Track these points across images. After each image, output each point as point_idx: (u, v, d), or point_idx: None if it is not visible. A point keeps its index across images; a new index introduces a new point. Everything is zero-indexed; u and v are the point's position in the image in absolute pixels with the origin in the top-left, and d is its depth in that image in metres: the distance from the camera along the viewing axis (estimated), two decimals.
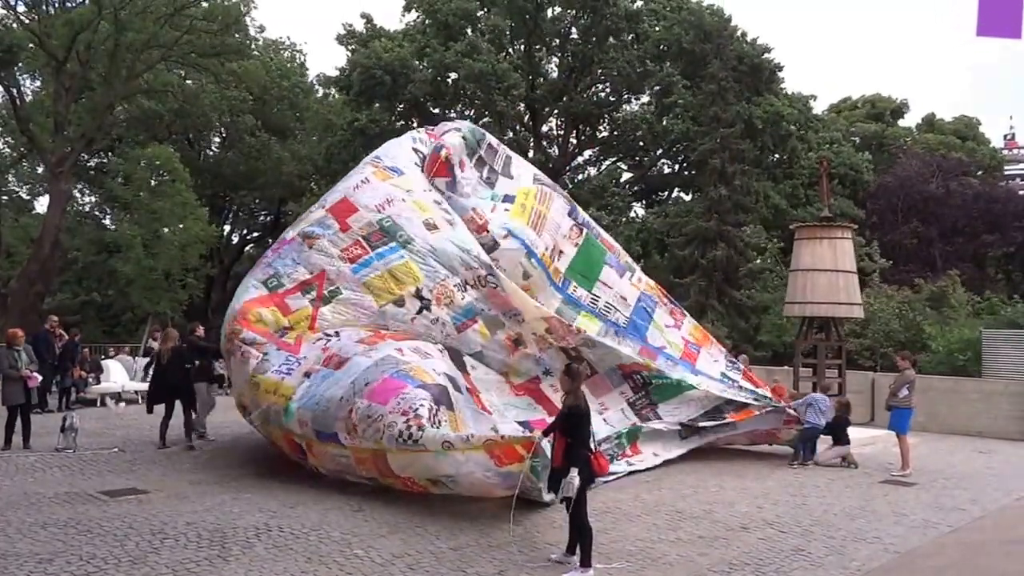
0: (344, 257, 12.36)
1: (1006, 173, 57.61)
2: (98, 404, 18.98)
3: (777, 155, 36.34)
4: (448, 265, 12.46)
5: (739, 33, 35.62)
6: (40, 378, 13.78)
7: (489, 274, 12.50)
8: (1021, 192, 45.75)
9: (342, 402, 10.15)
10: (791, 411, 13.66)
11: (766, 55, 35.38)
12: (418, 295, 12.18)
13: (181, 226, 27.86)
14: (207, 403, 14.54)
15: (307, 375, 10.91)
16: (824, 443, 13.85)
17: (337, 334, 11.53)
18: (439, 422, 9.50)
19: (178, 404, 13.95)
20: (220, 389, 15.99)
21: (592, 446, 8.00)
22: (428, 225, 12.68)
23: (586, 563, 7.56)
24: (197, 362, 14.27)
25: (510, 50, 36.84)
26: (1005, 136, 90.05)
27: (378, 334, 11.54)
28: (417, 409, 9.54)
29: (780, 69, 36.47)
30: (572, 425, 7.83)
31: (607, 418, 12.93)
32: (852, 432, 14.04)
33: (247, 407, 11.85)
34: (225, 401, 15.64)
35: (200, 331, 15.22)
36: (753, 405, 13.56)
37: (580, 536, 7.67)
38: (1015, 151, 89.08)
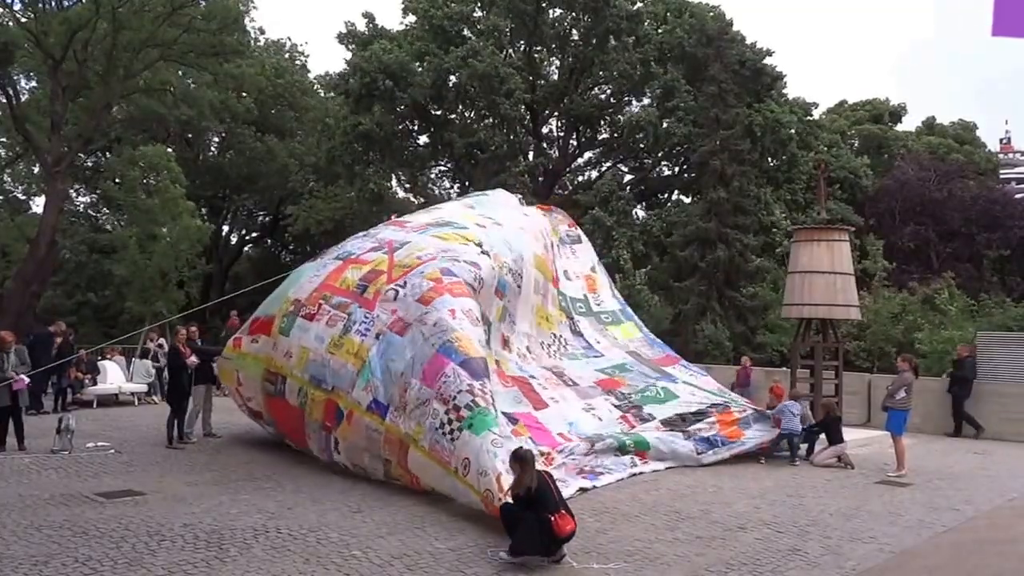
0: (410, 229, 14.09)
1: (1002, 176, 57.93)
2: (94, 405, 18.96)
3: (776, 160, 36.35)
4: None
5: (740, 37, 35.61)
6: (28, 381, 13.46)
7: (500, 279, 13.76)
8: (1018, 195, 45.93)
9: (401, 377, 10.88)
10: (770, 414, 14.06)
11: (767, 60, 35.37)
12: (479, 245, 13.74)
13: (177, 225, 27.82)
14: (204, 405, 14.64)
15: (378, 336, 11.63)
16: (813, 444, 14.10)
17: (404, 283, 12.17)
18: (476, 408, 9.98)
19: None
20: (218, 391, 15.97)
21: (555, 510, 7.90)
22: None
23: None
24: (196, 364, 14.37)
25: (510, 51, 36.82)
26: (1001, 140, 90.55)
27: (438, 286, 12.01)
28: (456, 398, 10.12)
29: (782, 78, 36.49)
30: (527, 505, 7.95)
31: (597, 414, 13.39)
32: (848, 433, 14.12)
33: (274, 381, 12.70)
34: (222, 403, 15.64)
35: (192, 332, 15.29)
36: (734, 407, 14.15)
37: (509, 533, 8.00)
38: (1011, 155, 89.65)
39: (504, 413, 11.68)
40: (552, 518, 7.71)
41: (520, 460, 8.15)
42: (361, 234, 15.03)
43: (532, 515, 7.78)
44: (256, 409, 13.80)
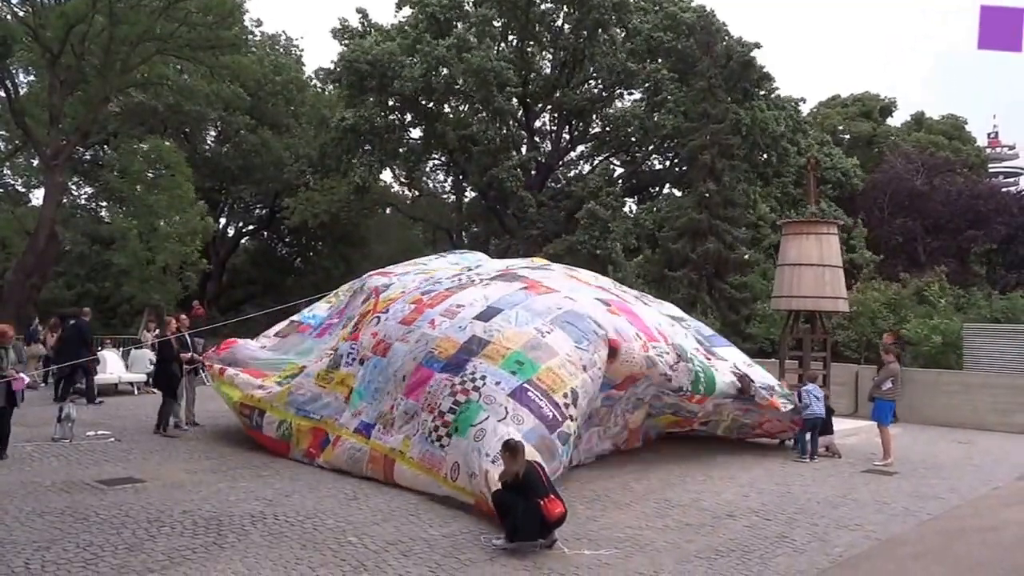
0: (395, 275, 14.47)
1: (990, 171, 58.26)
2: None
3: (766, 156, 36.45)
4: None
5: (724, 29, 35.57)
6: (27, 379, 12.88)
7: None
8: (1004, 189, 46.14)
9: (387, 397, 11.03)
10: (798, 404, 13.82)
11: (754, 52, 35.40)
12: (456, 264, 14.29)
13: (178, 218, 27.94)
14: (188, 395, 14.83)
15: (362, 362, 11.87)
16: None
17: (387, 310, 12.51)
18: (459, 407, 10.03)
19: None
20: (198, 376, 15.99)
21: (544, 495, 8.12)
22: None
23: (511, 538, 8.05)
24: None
25: (503, 45, 36.87)
26: (989, 134, 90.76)
27: (419, 307, 12.23)
28: (440, 404, 10.21)
29: (770, 78, 36.56)
30: (516, 493, 8.15)
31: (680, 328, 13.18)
32: (836, 423, 14.29)
33: (249, 415, 12.76)
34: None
35: (183, 321, 15.46)
36: (778, 398, 13.74)
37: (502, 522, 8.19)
38: (998, 149, 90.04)
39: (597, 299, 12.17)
40: (541, 502, 7.92)
41: (510, 450, 8.33)
42: (357, 284, 14.89)
43: (522, 501, 7.98)
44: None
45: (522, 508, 7.94)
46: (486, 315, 11.45)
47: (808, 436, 13.40)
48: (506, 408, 9.84)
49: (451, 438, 9.84)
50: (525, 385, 10.14)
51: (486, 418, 9.72)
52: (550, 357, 10.59)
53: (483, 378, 10.25)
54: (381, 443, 10.68)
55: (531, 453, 8.96)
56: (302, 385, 12.25)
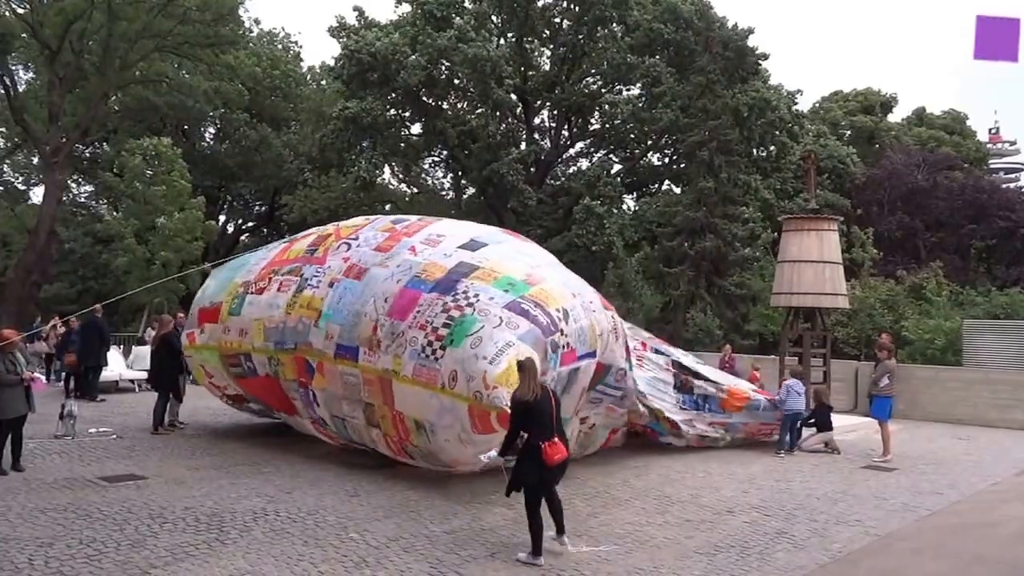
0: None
1: (991, 167, 58.37)
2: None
3: (765, 151, 36.46)
4: None
5: (720, 20, 35.55)
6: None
7: None
8: (1005, 185, 46.20)
9: (367, 319, 10.66)
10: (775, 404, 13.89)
11: (750, 38, 35.36)
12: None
13: (177, 215, 27.91)
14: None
15: (331, 284, 11.56)
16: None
17: (356, 237, 12.26)
18: (452, 321, 9.83)
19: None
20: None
21: (548, 436, 7.62)
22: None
23: (536, 552, 7.62)
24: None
25: (501, 41, 36.85)
26: (990, 130, 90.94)
27: (393, 234, 12.04)
28: (433, 321, 9.98)
29: (766, 58, 36.61)
30: (522, 418, 7.73)
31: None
32: (835, 419, 14.33)
33: (237, 363, 12.60)
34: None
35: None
36: (744, 390, 13.89)
37: (530, 528, 7.69)
38: (999, 145, 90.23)
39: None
40: (542, 445, 7.50)
41: (521, 369, 7.99)
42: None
43: (528, 451, 7.64)
44: (234, 394, 13.66)
45: (524, 457, 7.64)
46: (472, 246, 11.30)
47: (788, 432, 13.58)
48: (500, 317, 9.75)
49: (445, 350, 9.63)
50: (518, 299, 10.09)
51: (481, 327, 9.60)
52: (541, 283, 10.62)
53: (476, 296, 10.10)
54: (372, 365, 10.39)
55: (529, 352, 8.98)
56: (272, 318, 11.98)
